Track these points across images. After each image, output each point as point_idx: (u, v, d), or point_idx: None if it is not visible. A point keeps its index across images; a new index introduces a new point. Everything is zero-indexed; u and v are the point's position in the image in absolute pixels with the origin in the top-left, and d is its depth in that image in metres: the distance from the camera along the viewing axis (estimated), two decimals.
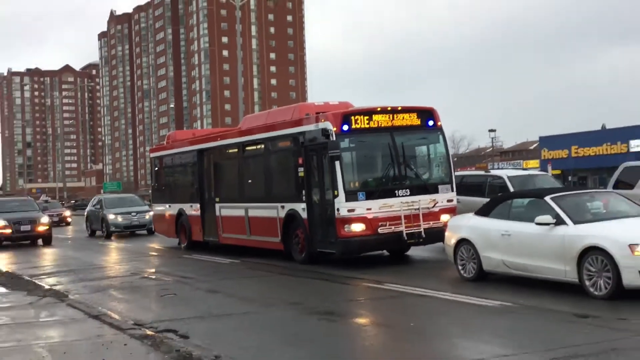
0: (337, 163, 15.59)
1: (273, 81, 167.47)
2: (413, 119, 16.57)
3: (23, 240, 28.02)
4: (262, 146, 18.96)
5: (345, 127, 15.88)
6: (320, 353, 8.71)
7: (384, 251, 17.75)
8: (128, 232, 31.20)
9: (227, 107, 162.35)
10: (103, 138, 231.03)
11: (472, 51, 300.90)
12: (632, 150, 63.63)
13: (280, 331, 10.12)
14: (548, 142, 73.96)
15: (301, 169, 16.92)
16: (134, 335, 9.38)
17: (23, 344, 9.15)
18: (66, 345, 9.09)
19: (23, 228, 27.33)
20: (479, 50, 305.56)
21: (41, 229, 27.53)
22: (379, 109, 16.35)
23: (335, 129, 15.79)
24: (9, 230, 27.25)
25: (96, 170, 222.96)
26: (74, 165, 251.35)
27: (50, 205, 46.61)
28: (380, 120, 16.25)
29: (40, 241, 28.31)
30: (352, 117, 16.03)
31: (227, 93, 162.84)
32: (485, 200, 17.92)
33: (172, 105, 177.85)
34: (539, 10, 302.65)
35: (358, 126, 16.03)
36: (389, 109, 16.41)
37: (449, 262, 14.62)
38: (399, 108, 16.51)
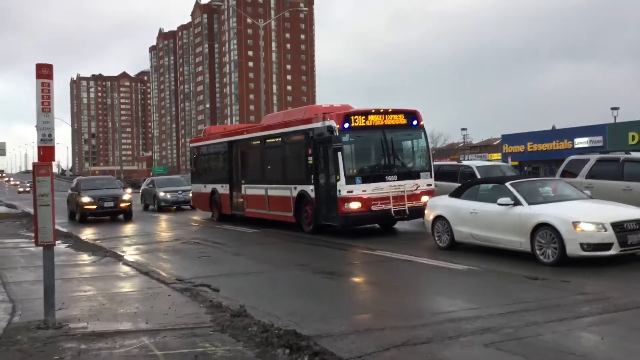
0: (339, 153, 15.59)
1: (289, 87, 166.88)
2: (400, 119, 16.51)
3: (107, 215, 25.35)
4: (280, 139, 18.92)
5: (346, 125, 15.84)
6: (323, 303, 8.74)
7: (376, 225, 17.76)
8: (174, 207, 31.16)
9: (252, 107, 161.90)
10: (152, 131, 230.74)
11: (452, 63, 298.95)
12: (576, 146, 63.25)
13: (291, 286, 10.14)
14: (509, 139, 73.50)
15: (310, 158, 16.90)
16: (176, 288, 9.42)
17: (89, 294, 9.19)
18: (122, 295, 9.13)
19: (106, 204, 24.86)
20: (457, 63, 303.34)
21: (123, 205, 25.03)
22: (373, 111, 16.29)
23: (338, 126, 15.75)
24: (94, 207, 24.79)
25: (146, 156, 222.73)
26: (129, 152, 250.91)
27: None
28: (374, 119, 16.19)
29: (121, 216, 25.71)
30: (352, 117, 15.98)
31: (251, 96, 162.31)
32: (458, 184, 17.95)
33: (207, 106, 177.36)
34: (502, 32, 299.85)
35: (356, 124, 15.99)
36: (381, 110, 16.35)
37: (427, 234, 14.60)
38: (390, 110, 16.45)
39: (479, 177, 17.59)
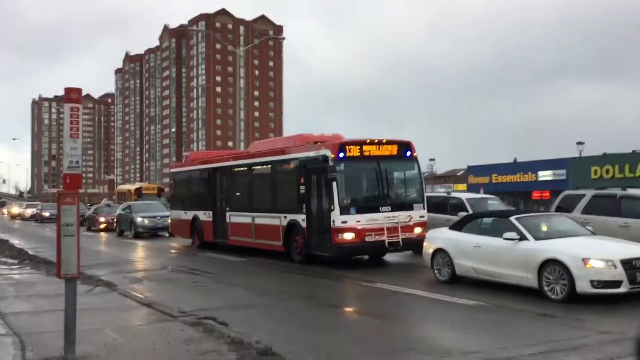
0: (334, 183, 15.40)
1: (256, 113, 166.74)
2: (394, 150, 16.44)
3: None
4: (269, 167, 18.68)
5: (341, 155, 15.69)
6: (343, 339, 8.47)
7: (364, 255, 17.55)
8: (151, 233, 30.42)
9: (218, 132, 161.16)
10: (115, 154, 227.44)
11: (411, 97, 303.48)
12: (539, 179, 64.62)
13: (302, 320, 9.84)
14: (474, 170, 74.65)
15: (302, 187, 16.68)
16: (185, 322, 9.02)
17: (96, 327, 8.71)
18: (132, 329, 8.68)
19: None
20: (419, 96, 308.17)
21: None
22: (368, 141, 16.20)
23: (333, 155, 15.60)
24: None
25: (108, 179, 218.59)
26: (90, 174, 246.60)
27: (111, 209, 37.59)
28: (369, 150, 16.10)
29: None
30: (347, 147, 15.86)
31: (218, 121, 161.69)
32: (447, 216, 18.02)
33: (173, 130, 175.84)
34: (459, 66, 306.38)
35: (351, 154, 15.86)
36: (376, 141, 16.28)
37: (421, 266, 14.51)
38: (384, 140, 16.39)
39: (468, 209, 17.64)
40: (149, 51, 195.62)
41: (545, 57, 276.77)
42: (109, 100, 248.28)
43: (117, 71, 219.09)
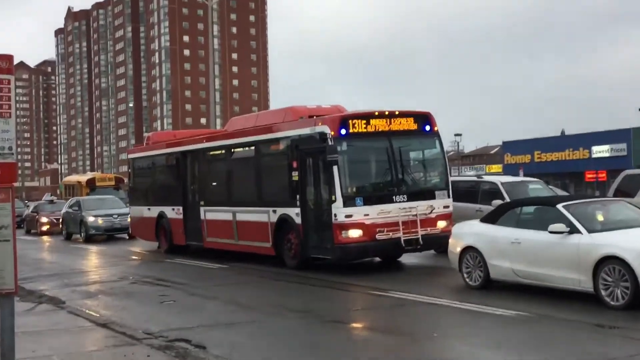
0: (335, 168, 15.40)
1: (235, 82, 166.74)
2: (410, 124, 16.47)
3: None
4: (253, 149, 18.71)
5: (343, 131, 15.70)
6: None
7: (374, 258, 17.65)
8: (107, 235, 30.48)
9: (188, 107, 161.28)
10: (58, 137, 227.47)
11: (431, 51, 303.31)
12: (594, 156, 64.86)
13: (298, 341, 9.90)
14: (511, 147, 74.95)
15: (295, 173, 16.70)
16: (153, 346, 9.09)
17: (40, 355, 8.77)
18: (86, 356, 8.75)
19: None
20: (437, 51, 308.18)
21: None
22: (376, 113, 16.22)
23: (332, 132, 15.60)
24: None
25: (51, 169, 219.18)
26: (28, 164, 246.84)
27: (56, 207, 37.45)
28: (378, 124, 16.11)
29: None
30: (350, 121, 15.87)
31: (187, 93, 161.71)
32: (478, 206, 18.11)
33: (131, 105, 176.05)
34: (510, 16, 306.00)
35: (355, 130, 15.87)
36: (387, 113, 16.30)
37: (446, 269, 14.59)
38: (396, 112, 16.41)
39: (505, 196, 17.70)
40: (97, 6, 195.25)
41: (601, 0, 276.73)
42: (49, 69, 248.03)
43: (58, 32, 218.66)
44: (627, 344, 8.81)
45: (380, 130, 16.10)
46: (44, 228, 35.98)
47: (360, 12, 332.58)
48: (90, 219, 30.12)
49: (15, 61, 6.96)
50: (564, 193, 26.90)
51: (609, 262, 10.69)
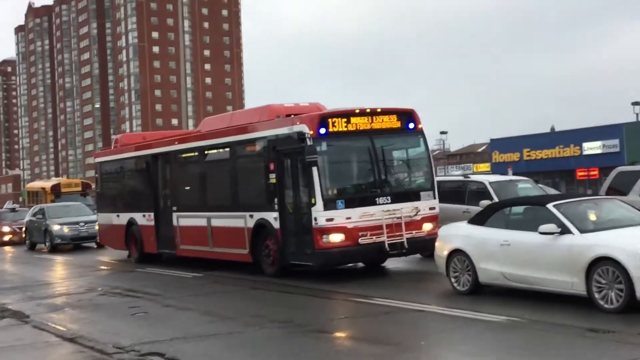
0: (314, 169, 15.39)
1: (207, 80, 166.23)
2: (393, 122, 16.51)
3: None
4: (228, 150, 18.68)
5: (323, 131, 15.70)
6: None
7: (357, 263, 17.69)
8: (74, 244, 30.25)
9: (158, 107, 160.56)
10: (20, 141, 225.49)
11: (418, 42, 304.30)
12: (585, 153, 65.37)
13: (276, 352, 9.88)
14: (499, 144, 75.37)
15: (272, 176, 16.69)
16: None
17: None
18: None
19: None
20: (423, 41, 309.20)
21: None
22: (357, 111, 16.25)
23: (311, 132, 15.59)
24: None
25: (12, 175, 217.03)
26: None
27: (18, 215, 37.38)
28: (359, 122, 16.14)
29: None
30: (330, 120, 15.87)
31: (157, 92, 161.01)
32: (465, 207, 18.17)
33: (97, 105, 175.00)
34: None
35: (335, 129, 15.88)
36: (368, 110, 16.33)
37: (433, 274, 14.64)
38: (378, 110, 16.45)
39: (493, 196, 17.77)
40: (60, 1, 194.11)
41: None
42: (9, 68, 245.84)
43: (18, 29, 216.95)
44: (621, 349, 8.87)
45: (361, 128, 16.13)
46: (6, 238, 35.68)
47: (341, 4, 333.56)
48: (56, 227, 29.90)
49: None
50: (555, 192, 27.08)
51: (602, 264, 10.76)
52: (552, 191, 25.33)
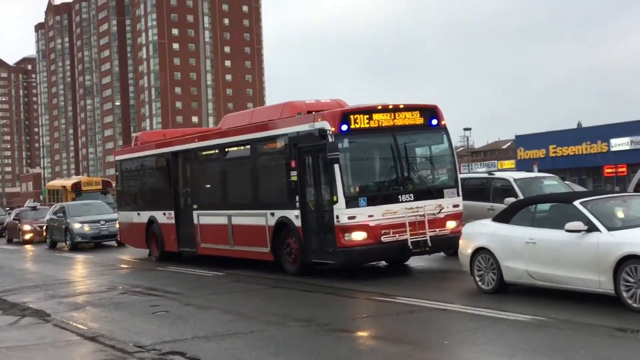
0: (336, 166, 15.40)
1: (228, 77, 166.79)
2: (416, 118, 16.49)
3: None
4: (249, 148, 18.72)
5: (344, 127, 15.70)
6: None
7: (381, 262, 17.68)
8: (94, 243, 30.48)
9: (178, 104, 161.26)
10: (41, 139, 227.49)
11: (439, 38, 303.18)
12: (612, 149, 64.91)
13: (298, 351, 9.91)
14: (524, 141, 75.08)
15: (294, 173, 16.72)
16: (144, 359, 9.09)
17: None
18: None
19: None
20: (444, 38, 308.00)
21: None
22: (379, 107, 16.24)
23: (333, 129, 15.60)
24: None
25: (33, 174, 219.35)
26: (8, 169, 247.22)
27: (39, 213, 37.90)
28: (381, 119, 16.13)
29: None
30: (351, 116, 15.87)
31: (177, 90, 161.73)
32: (490, 204, 18.14)
33: (117, 103, 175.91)
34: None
35: (357, 126, 15.88)
36: (390, 107, 16.32)
37: (457, 272, 14.62)
38: (401, 106, 16.43)
39: (518, 193, 17.72)
40: None
41: None
42: (29, 66, 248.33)
43: (39, 27, 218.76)
44: None
45: (383, 125, 16.11)
46: (27, 236, 36.01)
47: None
48: (76, 225, 30.16)
49: None
50: (582, 189, 26.91)
51: (631, 262, 10.69)
52: (578, 188, 25.18)
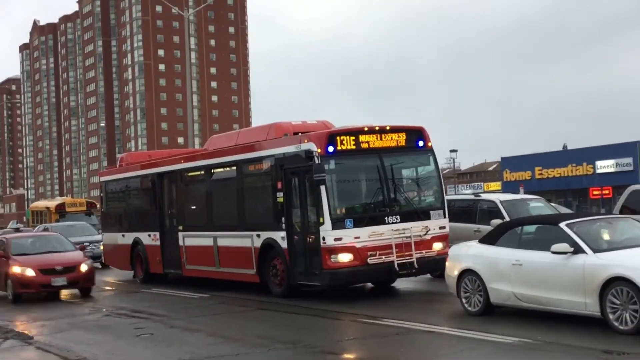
0: (323, 188, 15.42)
1: (214, 98, 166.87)
2: (402, 140, 16.55)
3: None
4: (235, 169, 18.73)
5: (331, 149, 15.75)
6: None
7: (366, 284, 17.67)
8: None
9: (164, 125, 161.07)
10: (24, 160, 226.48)
11: (433, 62, 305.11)
12: (598, 171, 65.21)
13: None
14: (510, 163, 75.31)
15: (280, 194, 16.73)
16: None
17: None
18: None
19: None
20: (438, 63, 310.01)
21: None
22: (366, 129, 16.30)
23: (319, 150, 15.64)
24: None
25: (17, 195, 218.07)
26: None
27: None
28: (368, 140, 16.18)
29: None
30: (338, 138, 15.92)
31: (163, 111, 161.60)
32: (476, 226, 18.17)
33: (102, 124, 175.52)
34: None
35: (344, 147, 15.92)
36: (377, 128, 16.39)
37: (444, 294, 14.64)
38: (387, 128, 16.50)
39: (504, 214, 17.76)
40: (65, 19, 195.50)
41: (612, 3, 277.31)
42: (13, 87, 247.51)
43: (23, 47, 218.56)
44: None
45: (370, 147, 16.16)
46: None
47: (351, 19, 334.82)
48: None
49: None
50: (567, 211, 27.02)
51: (617, 284, 10.76)
52: (564, 210, 25.27)
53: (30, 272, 19.45)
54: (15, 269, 19.59)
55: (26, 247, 21.11)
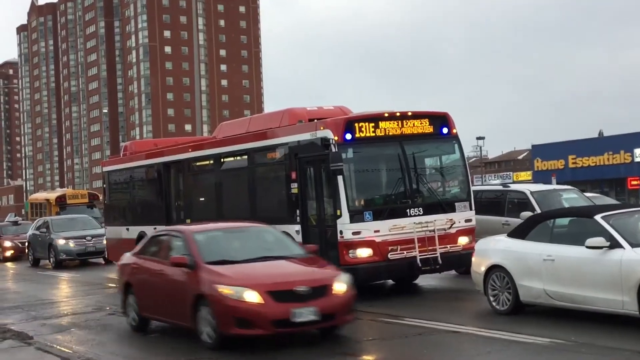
0: (340, 178, 15.43)
1: (224, 82, 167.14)
2: (425, 126, 16.52)
3: None
4: (246, 158, 18.77)
5: (349, 136, 15.73)
6: None
7: (387, 280, 17.68)
8: (80, 260, 30.40)
9: (170, 112, 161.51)
10: (23, 149, 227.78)
11: (453, 42, 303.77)
12: (637, 160, 64.84)
13: None
14: (541, 151, 75.00)
15: (294, 185, 16.76)
16: None
17: None
18: None
19: None
20: (458, 42, 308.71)
21: None
22: (386, 115, 16.28)
23: (336, 138, 15.63)
24: None
25: (15, 186, 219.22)
26: None
27: (21, 228, 37.54)
28: (388, 127, 16.15)
29: None
30: (356, 124, 15.90)
31: (169, 96, 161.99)
32: (505, 219, 18.16)
33: (105, 110, 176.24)
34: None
35: (363, 135, 15.91)
36: (398, 114, 16.35)
37: (470, 291, 14.63)
38: (409, 114, 16.46)
39: (535, 206, 17.73)
40: None
41: None
42: (11, 71, 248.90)
43: (21, 29, 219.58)
44: None
45: (390, 134, 16.14)
46: (8, 253, 35.97)
47: None
48: (61, 242, 30.03)
49: None
50: (608, 201, 26.89)
51: None
52: (600, 201, 25.17)
53: (252, 297, 11.24)
54: (224, 290, 11.35)
55: (220, 248, 12.87)
